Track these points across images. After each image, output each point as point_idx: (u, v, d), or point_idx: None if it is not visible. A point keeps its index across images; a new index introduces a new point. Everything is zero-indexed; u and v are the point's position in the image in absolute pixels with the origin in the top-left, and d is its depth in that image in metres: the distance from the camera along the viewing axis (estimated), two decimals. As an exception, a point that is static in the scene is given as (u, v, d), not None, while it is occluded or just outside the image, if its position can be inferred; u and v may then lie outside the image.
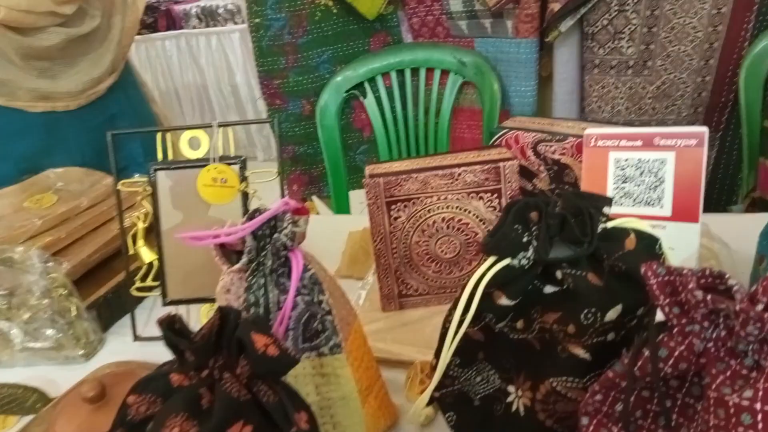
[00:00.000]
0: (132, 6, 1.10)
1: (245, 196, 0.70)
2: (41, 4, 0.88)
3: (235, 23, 3.26)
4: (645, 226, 0.44)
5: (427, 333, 0.64)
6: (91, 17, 0.99)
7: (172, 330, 0.39)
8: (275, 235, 0.48)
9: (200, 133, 0.69)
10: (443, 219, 0.64)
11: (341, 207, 1.51)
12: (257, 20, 1.44)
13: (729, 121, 1.26)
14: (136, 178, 0.79)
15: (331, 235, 0.93)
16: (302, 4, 1.42)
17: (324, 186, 1.63)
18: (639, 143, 0.59)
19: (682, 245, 0.58)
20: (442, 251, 0.66)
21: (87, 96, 1.02)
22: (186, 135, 0.69)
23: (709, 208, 1.37)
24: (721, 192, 1.34)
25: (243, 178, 0.69)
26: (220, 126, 0.69)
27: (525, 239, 0.42)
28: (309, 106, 1.53)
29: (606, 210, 0.43)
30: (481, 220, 0.64)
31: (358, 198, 1.54)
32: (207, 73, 3.31)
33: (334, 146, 1.50)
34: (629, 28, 1.22)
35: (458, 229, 0.65)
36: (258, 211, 0.50)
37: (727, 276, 0.35)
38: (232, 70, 3.28)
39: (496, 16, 1.33)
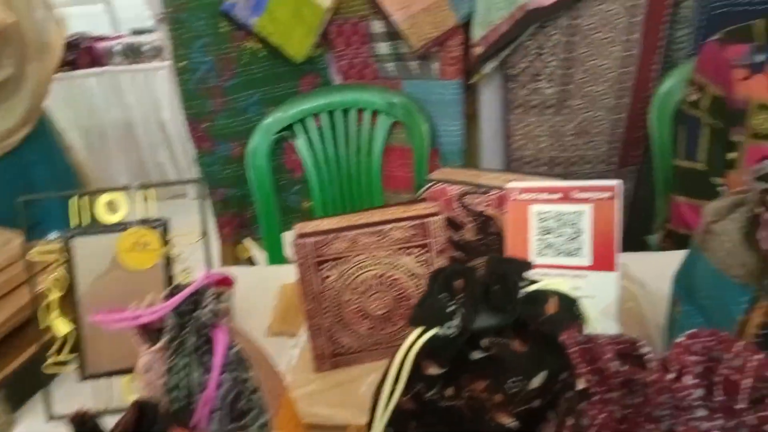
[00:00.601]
0: (49, 53, 1.05)
1: (168, 260, 0.67)
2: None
3: (162, 60, 3.19)
4: (565, 286, 0.45)
5: (361, 393, 0.63)
6: (2, 67, 0.94)
7: (84, 429, 0.37)
8: (197, 312, 0.47)
9: (119, 196, 0.66)
10: (374, 276, 0.64)
11: (274, 249, 1.49)
12: (183, 63, 1.42)
13: (644, 155, 1.33)
14: (51, 239, 0.75)
15: (264, 287, 0.91)
16: (229, 48, 1.41)
17: (256, 228, 1.60)
18: (558, 196, 0.61)
19: (602, 294, 0.60)
20: (375, 308, 0.65)
21: (1, 148, 0.96)
22: (103, 198, 0.66)
23: (628, 238, 1.44)
24: (640, 222, 1.41)
25: (165, 242, 0.67)
26: (140, 188, 0.66)
27: (451, 308, 0.42)
28: (239, 148, 1.50)
29: (527, 274, 0.44)
30: (411, 275, 0.64)
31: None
32: (133, 110, 3.21)
33: (266, 188, 1.48)
34: (548, 70, 1.28)
35: (389, 285, 0.65)
36: (178, 288, 0.48)
37: (640, 343, 0.37)
38: (160, 107, 3.20)
39: (422, 59, 1.36)
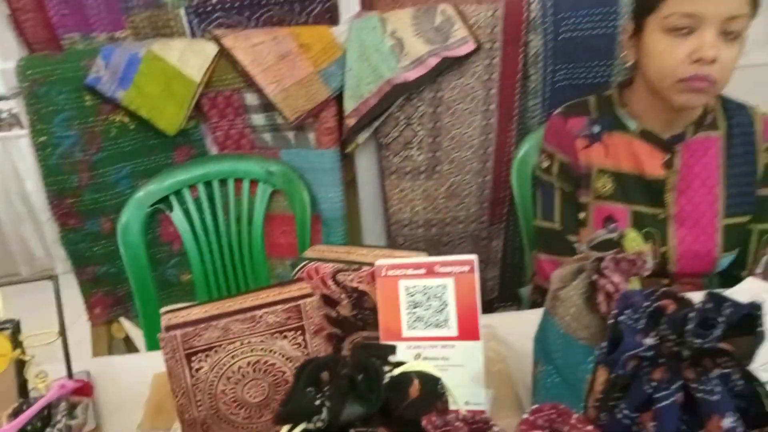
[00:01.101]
0: None
1: (20, 364, 0.62)
2: None
3: (22, 128, 2.98)
4: (428, 366, 0.47)
5: (240, 488, 0.61)
6: None
7: None
8: (47, 430, 0.43)
9: (-41, 299, 0.60)
10: (248, 363, 0.63)
11: (152, 328, 1.41)
12: (43, 138, 1.34)
13: (509, 213, 1.44)
14: None
15: (137, 377, 0.86)
16: (96, 121, 1.35)
17: (131, 305, 1.51)
18: (423, 271, 0.65)
19: (470, 362, 0.64)
20: (251, 396, 0.64)
21: None
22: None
23: (502, 291, 1.52)
24: (512, 275, 1.51)
25: (17, 345, 0.61)
26: (-16, 289, 0.61)
27: (318, 402, 0.43)
28: (108, 223, 1.43)
29: (391, 359, 0.46)
30: (287, 359, 0.64)
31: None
32: (-10, 181, 2.95)
33: (140, 264, 1.41)
34: (417, 139, 1.36)
35: (265, 371, 0.64)
36: (26, 404, 0.44)
37: (492, 422, 0.39)
38: (22, 178, 2.97)
39: (298, 129, 1.39)
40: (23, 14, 1.32)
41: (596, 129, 1.01)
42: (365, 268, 0.70)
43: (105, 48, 1.31)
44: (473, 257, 0.63)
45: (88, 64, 1.32)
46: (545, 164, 1.06)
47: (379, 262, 0.65)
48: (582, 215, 1.02)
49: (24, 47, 1.37)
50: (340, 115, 1.37)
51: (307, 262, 0.72)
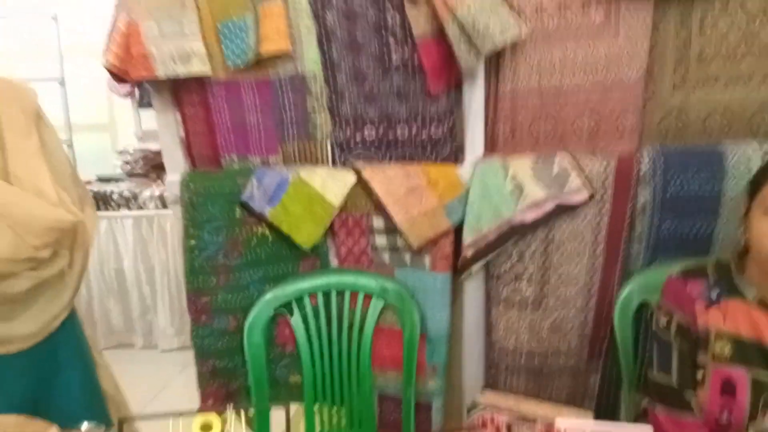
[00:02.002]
0: (88, 240, 1.13)
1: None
2: (23, 251, 0.89)
3: (129, 209, 3.27)
4: None
5: None
6: (61, 257, 1.00)
7: None
8: None
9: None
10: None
11: (263, 423, 1.50)
12: (193, 242, 1.52)
13: (609, 350, 1.51)
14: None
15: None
16: (240, 231, 1.53)
17: (240, 400, 1.61)
18: None
19: None
20: None
21: (42, 335, 0.99)
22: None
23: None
24: (607, 411, 1.54)
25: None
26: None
27: None
28: (235, 322, 1.57)
29: None
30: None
31: (277, 418, 1.55)
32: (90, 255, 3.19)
33: (260, 362, 1.53)
34: (527, 273, 1.47)
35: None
36: None
37: None
38: (121, 257, 3.21)
39: (415, 252, 1.53)
40: (195, 137, 1.54)
41: (715, 294, 1.10)
42: (540, 423, 0.79)
43: (259, 170, 1.51)
44: (649, 428, 0.72)
45: (242, 182, 1.51)
46: (663, 321, 1.14)
47: (559, 420, 0.74)
48: (699, 375, 1.08)
49: (188, 162, 1.59)
50: (456, 243, 1.50)
51: (482, 408, 0.82)
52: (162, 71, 1.37)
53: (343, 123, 1.51)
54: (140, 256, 3.21)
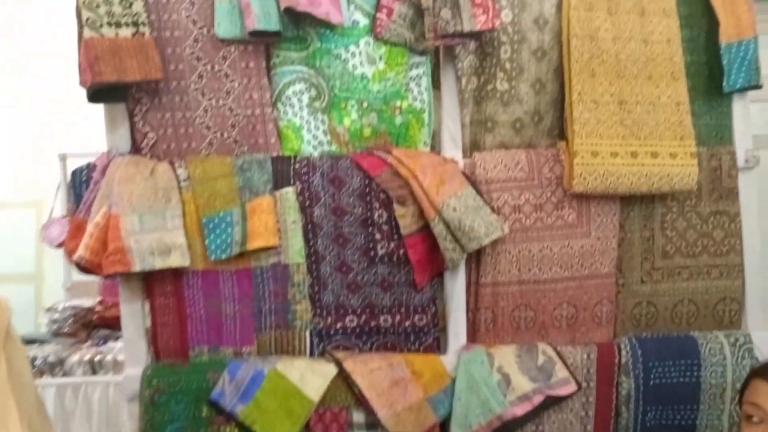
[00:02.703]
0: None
1: None
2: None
3: (53, 376, 2.97)
4: None
5: None
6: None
7: None
8: None
9: None
10: None
11: None
12: None
13: None
14: None
15: None
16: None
17: None
18: None
19: None
20: None
21: None
22: None
23: None
24: None
25: None
26: None
27: None
28: None
29: None
30: None
31: None
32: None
33: None
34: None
35: None
36: None
37: None
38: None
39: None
40: (163, 328, 1.45)
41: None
42: None
43: (232, 363, 1.41)
44: None
45: (212, 377, 1.40)
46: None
47: None
48: None
49: (151, 354, 1.47)
50: (441, 436, 1.43)
51: None
52: (138, 265, 1.30)
53: (324, 311, 1.47)
54: (61, 432, 2.86)
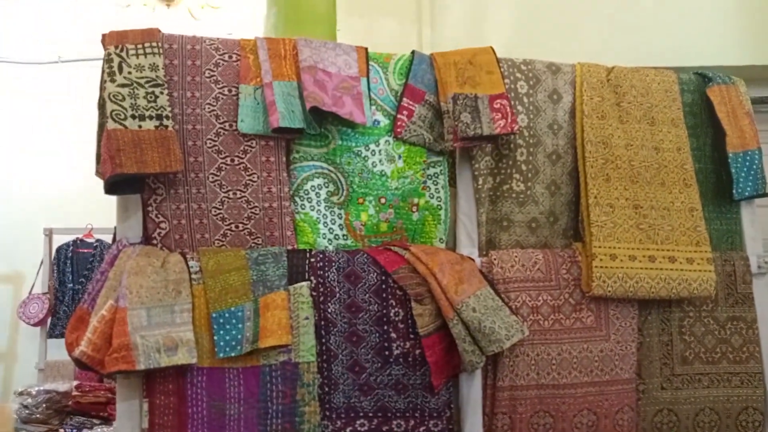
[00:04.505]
0: None
1: None
2: None
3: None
4: None
5: None
6: None
7: None
8: None
9: None
10: None
11: None
12: None
13: None
14: None
15: None
16: None
17: None
18: None
19: None
20: None
21: None
22: None
23: None
24: None
25: None
26: None
27: None
28: None
29: None
30: None
31: None
32: None
33: None
34: None
35: None
36: None
37: None
38: None
39: None
40: (161, 430, 1.35)
41: None
42: None
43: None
44: None
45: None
46: None
47: None
48: None
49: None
50: None
51: None
52: (143, 364, 1.23)
53: (333, 414, 1.39)
54: None
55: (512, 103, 1.45)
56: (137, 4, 3.62)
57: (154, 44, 1.35)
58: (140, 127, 1.30)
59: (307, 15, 2.07)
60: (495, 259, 1.44)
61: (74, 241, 3.91)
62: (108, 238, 3.75)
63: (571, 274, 1.44)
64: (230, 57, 1.41)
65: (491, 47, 1.50)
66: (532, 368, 1.40)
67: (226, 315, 1.33)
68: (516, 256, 1.44)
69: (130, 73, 1.31)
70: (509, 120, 1.39)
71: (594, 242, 1.39)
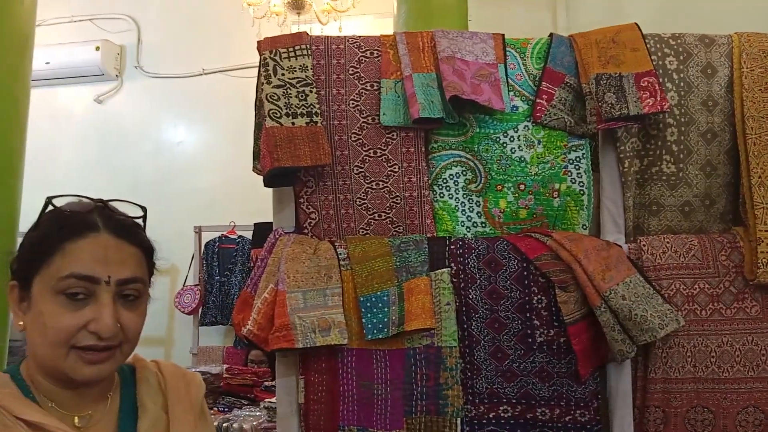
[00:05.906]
0: None
1: None
2: None
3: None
4: None
5: None
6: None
7: None
8: None
9: None
10: None
11: None
12: None
13: None
14: None
15: None
16: None
17: None
18: None
19: None
20: None
21: None
22: None
23: None
24: None
25: None
26: None
27: None
28: None
29: None
30: None
31: None
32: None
33: None
34: None
35: None
36: None
37: None
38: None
39: None
40: (315, 405, 1.45)
41: None
42: None
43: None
44: None
45: (364, 461, 1.37)
46: None
47: None
48: None
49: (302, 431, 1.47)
50: None
51: None
52: (301, 343, 1.34)
53: (476, 399, 1.41)
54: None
55: (661, 80, 1.38)
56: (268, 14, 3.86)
57: (303, 47, 1.45)
58: (293, 124, 1.40)
59: (438, 8, 2.11)
60: (644, 245, 1.38)
61: (219, 238, 4.27)
62: (248, 234, 4.08)
63: (732, 261, 1.34)
64: (371, 53, 1.48)
65: (635, 23, 1.43)
66: (688, 360, 1.32)
67: (373, 299, 1.40)
68: (668, 242, 1.37)
69: (283, 74, 1.42)
70: (658, 98, 1.32)
71: (759, 226, 1.28)
